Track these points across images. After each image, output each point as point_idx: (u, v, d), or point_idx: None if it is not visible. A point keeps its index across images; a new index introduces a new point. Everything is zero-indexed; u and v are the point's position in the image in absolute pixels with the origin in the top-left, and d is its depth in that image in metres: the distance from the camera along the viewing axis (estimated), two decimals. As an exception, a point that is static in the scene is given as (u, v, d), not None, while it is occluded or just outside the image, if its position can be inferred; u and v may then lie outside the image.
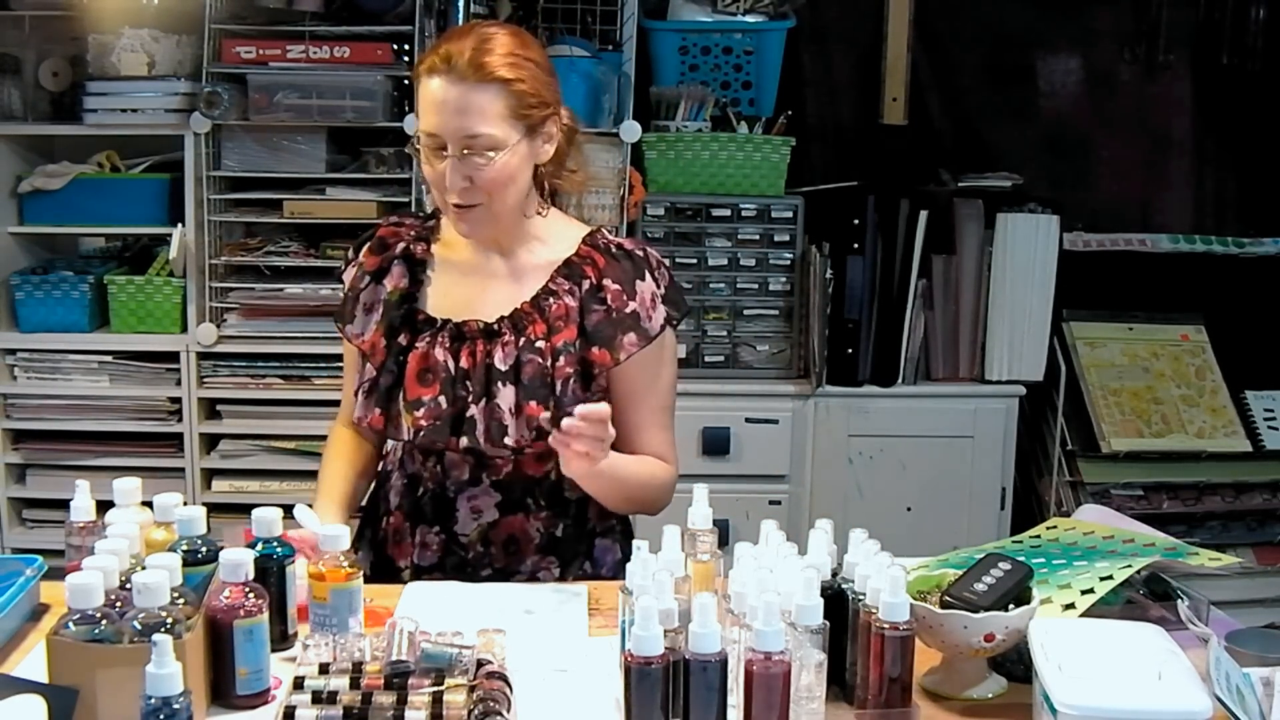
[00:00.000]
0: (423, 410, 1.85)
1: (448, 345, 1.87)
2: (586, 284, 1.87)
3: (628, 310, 1.87)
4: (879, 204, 3.17)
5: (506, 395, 1.83)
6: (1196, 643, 1.55)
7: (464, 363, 1.86)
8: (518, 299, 1.88)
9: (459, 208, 1.82)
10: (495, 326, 1.87)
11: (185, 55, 3.13)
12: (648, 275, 1.89)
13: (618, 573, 1.91)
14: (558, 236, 1.93)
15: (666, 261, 1.95)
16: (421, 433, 1.85)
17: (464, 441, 1.84)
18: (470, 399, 1.84)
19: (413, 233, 1.97)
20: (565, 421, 1.67)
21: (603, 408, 1.70)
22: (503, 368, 1.84)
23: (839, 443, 3.23)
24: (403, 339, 1.89)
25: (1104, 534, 1.79)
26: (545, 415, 1.81)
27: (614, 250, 1.90)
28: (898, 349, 3.22)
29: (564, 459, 1.72)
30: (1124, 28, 3.58)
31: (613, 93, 3.13)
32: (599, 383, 1.87)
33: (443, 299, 1.92)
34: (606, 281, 1.87)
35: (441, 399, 1.85)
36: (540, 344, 1.85)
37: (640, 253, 1.91)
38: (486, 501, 1.90)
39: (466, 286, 1.92)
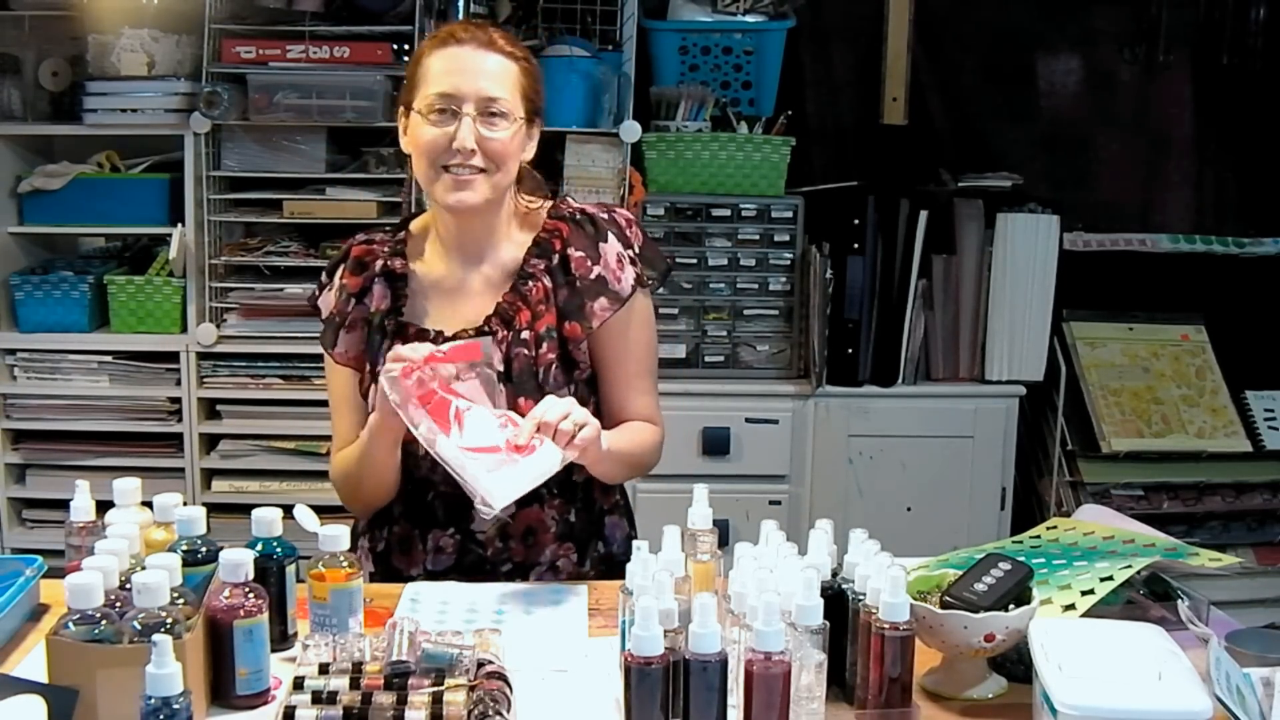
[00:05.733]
0: None
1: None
2: (556, 258, 1.88)
3: (593, 276, 1.87)
4: (879, 204, 3.16)
5: (503, 397, 1.83)
6: (1196, 643, 1.55)
7: None
8: (499, 292, 1.89)
9: (458, 175, 1.81)
10: (485, 327, 1.86)
11: (185, 55, 3.13)
12: (611, 237, 1.89)
13: (627, 549, 1.90)
14: (529, 224, 1.94)
15: (637, 221, 1.95)
16: None
17: None
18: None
19: (386, 248, 1.93)
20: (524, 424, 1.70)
21: (552, 407, 1.72)
22: (500, 369, 1.84)
23: (839, 443, 3.23)
24: None
25: (1104, 534, 1.79)
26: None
27: (577, 217, 1.91)
28: (898, 349, 3.22)
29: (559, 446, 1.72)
30: (1124, 28, 3.58)
31: (613, 93, 3.13)
32: (579, 356, 1.87)
33: (431, 314, 1.90)
34: (571, 250, 1.87)
35: None
36: (525, 334, 1.85)
37: (605, 215, 1.91)
38: None
39: (450, 299, 1.91)
